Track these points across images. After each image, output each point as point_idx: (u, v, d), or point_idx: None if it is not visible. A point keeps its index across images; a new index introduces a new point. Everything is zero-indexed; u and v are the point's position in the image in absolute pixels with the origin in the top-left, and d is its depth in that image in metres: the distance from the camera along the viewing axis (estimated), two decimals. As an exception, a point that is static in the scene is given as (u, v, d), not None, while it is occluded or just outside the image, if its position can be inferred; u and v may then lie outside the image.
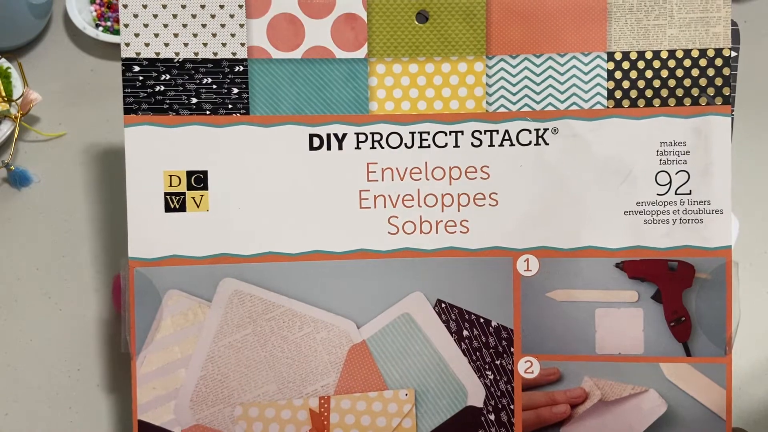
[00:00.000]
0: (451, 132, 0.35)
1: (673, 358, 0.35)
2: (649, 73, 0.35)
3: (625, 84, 0.35)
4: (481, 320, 0.36)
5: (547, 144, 0.35)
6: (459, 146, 0.35)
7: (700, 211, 0.35)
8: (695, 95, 0.35)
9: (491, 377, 0.36)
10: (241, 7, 0.35)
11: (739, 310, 0.35)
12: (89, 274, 0.44)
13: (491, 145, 0.35)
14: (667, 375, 0.35)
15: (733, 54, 0.35)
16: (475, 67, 0.35)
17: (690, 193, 0.35)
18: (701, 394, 0.35)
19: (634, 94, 0.35)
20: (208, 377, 0.35)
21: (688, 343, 0.35)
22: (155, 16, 0.34)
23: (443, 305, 0.36)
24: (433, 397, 0.36)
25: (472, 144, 0.35)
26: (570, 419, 0.35)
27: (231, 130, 0.35)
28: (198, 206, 0.35)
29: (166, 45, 0.34)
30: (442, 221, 0.36)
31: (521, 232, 0.35)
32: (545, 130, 0.35)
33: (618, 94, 0.35)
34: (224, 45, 0.35)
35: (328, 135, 0.35)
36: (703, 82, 0.35)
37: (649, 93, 0.35)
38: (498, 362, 0.36)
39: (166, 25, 0.34)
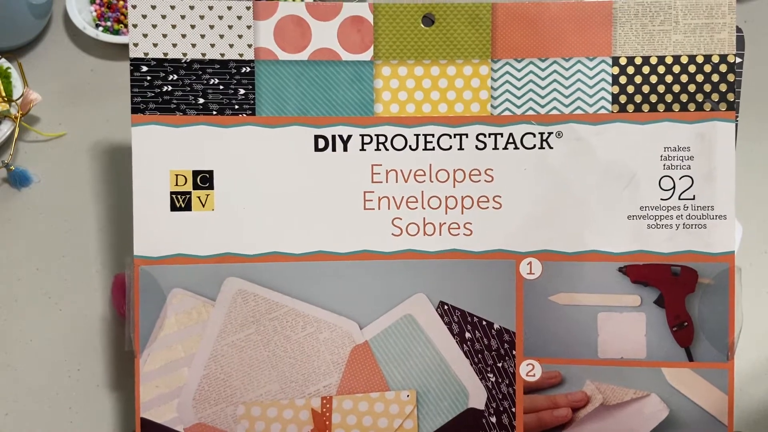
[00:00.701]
0: (455, 135, 0.36)
1: (676, 363, 0.35)
2: (653, 78, 0.35)
3: (630, 89, 0.35)
4: (484, 322, 0.36)
5: (551, 148, 0.35)
6: (463, 149, 0.36)
7: (704, 217, 0.35)
8: (699, 101, 0.35)
9: (493, 380, 0.36)
10: (248, 8, 0.35)
11: (741, 316, 0.35)
12: (89, 274, 0.44)
13: (495, 148, 0.36)
14: (669, 380, 0.35)
15: (738, 60, 0.35)
16: (480, 70, 0.35)
17: (693, 199, 0.35)
18: (703, 399, 0.35)
19: (638, 98, 0.35)
20: (211, 376, 0.35)
21: (690, 348, 0.35)
22: (164, 16, 0.35)
23: (446, 307, 0.36)
24: (435, 398, 0.36)
25: (476, 147, 0.36)
26: (571, 423, 0.35)
27: (237, 130, 0.35)
28: (203, 206, 0.35)
29: (174, 45, 0.35)
30: (445, 223, 0.36)
31: (524, 235, 0.36)
32: (549, 133, 0.35)
33: (622, 98, 0.35)
34: (231, 46, 0.35)
35: (333, 136, 0.35)
36: (707, 87, 0.35)
37: (653, 98, 0.35)
38: (500, 365, 0.36)
39: (174, 26, 0.35)
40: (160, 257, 0.35)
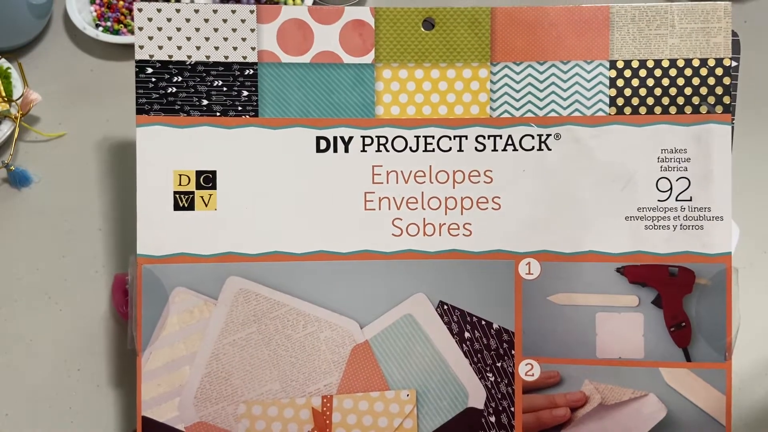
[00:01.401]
0: (455, 136, 0.36)
1: (673, 363, 0.35)
2: (650, 82, 0.36)
3: (627, 92, 0.36)
4: (483, 322, 0.36)
5: (549, 149, 0.36)
6: (463, 150, 0.36)
7: (701, 218, 0.35)
8: (696, 104, 0.36)
9: (492, 379, 0.36)
10: (252, 12, 0.36)
11: (739, 316, 0.35)
12: (89, 274, 0.44)
13: (494, 149, 0.36)
14: (667, 380, 0.35)
15: (734, 64, 0.36)
16: (479, 73, 0.36)
17: (691, 200, 0.35)
18: (701, 400, 0.35)
19: (635, 101, 0.36)
20: (213, 375, 0.35)
21: (688, 349, 0.35)
22: (169, 20, 0.35)
23: (445, 307, 0.36)
24: (435, 398, 0.36)
25: (475, 148, 0.36)
26: (570, 422, 0.36)
27: (240, 131, 0.36)
28: (206, 205, 0.35)
29: (179, 48, 0.35)
30: (445, 224, 0.36)
31: (523, 235, 0.36)
32: (548, 135, 0.36)
33: (620, 101, 0.36)
34: (235, 49, 0.36)
35: (335, 138, 0.36)
36: (703, 90, 0.36)
37: (650, 101, 0.36)
38: (499, 364, 0.36)
39: (179, 29, 0.35)
40: (163, 256, 0.35)
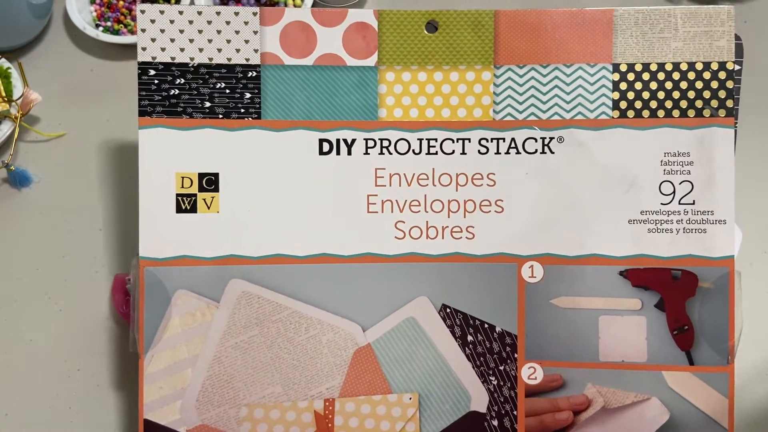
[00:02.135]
0: (458, 139, 0.36)
1: (676, 367, 0.35)
2: (653, 85, 0.36)
3: (630, 95, 0.36)
4: (486, 326, 0.36)
5: (552, 152, 0.36)
6: (466, 153, 0.36)
7: (704, 221, 0.35)
8: (699, 107, 0.36)
9: (495, 383, 0.36)
10: (255, 14, 0.35)
11: (741, 320, 0.35)
12: (89, 274, 0.44)
13: (497, 152, 0.36)
14: (670, 383, 0.35)
15: (737, 68, 0.36)
16: (482, 76, 0.36)
17: (693, 203, 0.35)
18: (703, 403, 0.35)
19: (638, 104, 0.36)
20: (215, 377, 0.35)
21: (690, 352, 0.35)
22: (171, 21, 0.35)
23: (448, 310, 0.36)
24: (437, 401, 0.36)
25: (478, 151, 0.36)
26: (573, 426, 0.36)
27: (243, 133, 0.35)
28: (209, 208, 0.35)
29: (182, 50, 0.35)
30: (448, 227, 0.36)
31: (526, 238, 0.36)
32: (551, 138, 0.36)
33: (623, 104, 0.36)
34: (238, 51, 0.36)
35: (338, 140, 0.36)
36: (706, 94, 0.36)
37: (653, 104, 0.36)
38: (502, 368, 0.36)
39: (182, 31, 0.35)
40: (165, 258, 0.35)
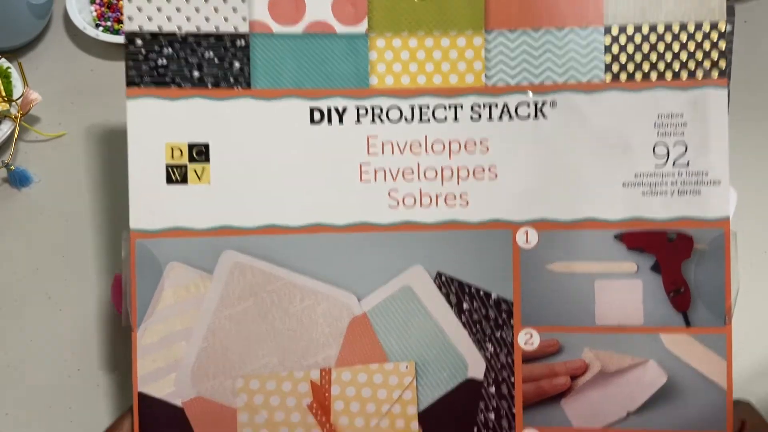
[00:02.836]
0: (450, 106, 0.36)
1: (673, 329, 0.35)
2: (645, 47, 0.35)
3: (623, 57, 0.35)
4: (481, 293, 0.36)
5: (545, 117, 0.36)
6: (458, 120, 0.36)
7: (698, 183, 0.35)
8: (692, 68, 0.35)
9: (491, 350, 0.36)
10: (242, -18, 0.35)
11: (738, 281, 0.35)
12: (89, 274, 0.44)
13: (490, 118, 0.36)
14: (667, 345, 0.35)
15: (729, 28, 0.35)
16: (474, 41, 0.36)
17: (688, 165, 0.35)
18: (701, 365, 0.35)
19: (631, 67, 0.35)
20: (209, 349, 0.35)
21: (687, 314, 0.35)
22: (158, -10, 0.35)
23: (443, 278, 0.36)
24: (434, 369, 0.36)
25: (471, 118, 0.36)
26: (570, 391, 0.35)
27: (232, 103, 0.35)
28: (200, 179, 0.35)
29: (169, 19, 0.35)
30: (441, 194, 0.36)
31: (520, 204, 0.36)
32: (543, 103, 0.36)
33: (615, 67, 0.35)
34: (226, 19, 0.35)
35: (329, 109, 0.35)
36: (699, 55, 0.35)
37: (646, 66, 0.35)
38: (498, 334, 0.36)
39: (169, 0, 0.35)
40: (156, 230, 0.35)
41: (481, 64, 0.36)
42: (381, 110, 0.36)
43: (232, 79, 0.35)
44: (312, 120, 0.35)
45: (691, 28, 0.35)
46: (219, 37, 0.35)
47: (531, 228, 0.36)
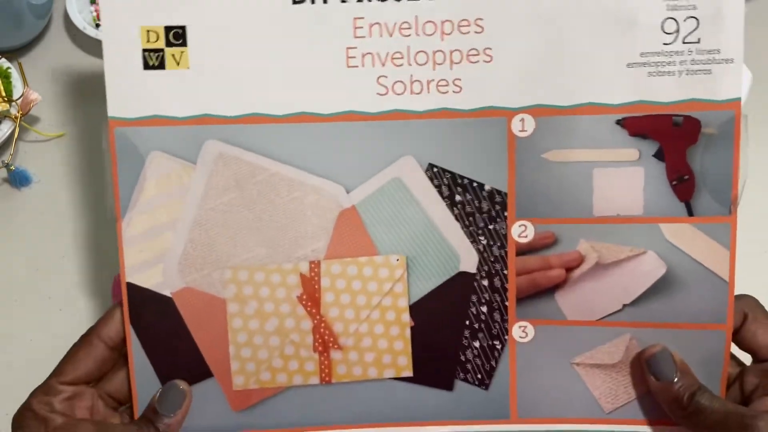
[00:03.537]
0: None
1: (674, 219, 0.34)
2: None
3: None
4: (474, 184, 0.34)
5: (545, -7, 0.33)
6: None
7: (709, 61, 0.33)
8: (708, -66, 0.32)
9: (484, 242, 0.35)
10: None
11: (746, 168, 0.33)
12: (89, 274, 0.44)
13: None
14: (668, 236, 0.34)
15: None
16: None
17: (698, 42, 0.33)
18: (703, 255, 0.33)
19: (641, -67, 0.32)
20: (196, 241, 0.34)
21: (690, 203, 0.33)
22: None
23: (435, 169, 0.34)
24: (425, 263, 0.35)
25: None
26: (565, 283, 0.34)
27: (209, -18, 0.33)
28: (178, 64, 0.33)
29: None
30: (433, 80, 0.34)
31: (517, 89, 0.34)
32: (543, -24, 0.33)
33: (624, -66, 0.32)
34: None
35: (312, -13, 0.33)
36: None
37: (657, -68, 0.32)
38: (491, 227, 0.35)
39: None
40: (135, 118, 0.33)
41: (476, -66, 0.33)
42: (368, -12, 0.33)
43: (207, -44, 0.33)
44: (294, 0, 0.33)
45: None
46: None
47: (527, 115, 0.34)
